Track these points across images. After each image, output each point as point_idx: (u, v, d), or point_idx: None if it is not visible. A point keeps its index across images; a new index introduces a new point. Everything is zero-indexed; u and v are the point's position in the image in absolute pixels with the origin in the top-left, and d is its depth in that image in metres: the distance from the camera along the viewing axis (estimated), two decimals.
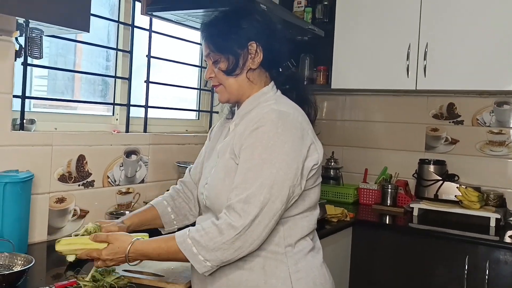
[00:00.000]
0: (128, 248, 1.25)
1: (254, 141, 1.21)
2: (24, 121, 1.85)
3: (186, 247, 1.19)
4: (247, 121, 1.28)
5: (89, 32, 1.51)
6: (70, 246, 1.32)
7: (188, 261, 1.20)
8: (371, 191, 3.06)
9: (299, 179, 1.23)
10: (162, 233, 1.56)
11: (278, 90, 1.37)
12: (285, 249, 1.26)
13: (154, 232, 1.56)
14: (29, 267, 1.32)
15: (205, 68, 1.40)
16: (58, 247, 1.33)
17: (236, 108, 1.42)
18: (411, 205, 2.79)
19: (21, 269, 1.32)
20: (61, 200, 1.90)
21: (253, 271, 1.24)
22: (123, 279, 1.35)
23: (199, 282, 1.32)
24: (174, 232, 1.56)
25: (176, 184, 1.63)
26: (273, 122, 1.22)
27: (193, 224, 1.48)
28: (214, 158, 1.39)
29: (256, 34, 1.33)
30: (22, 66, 1.84)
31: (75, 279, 1.33)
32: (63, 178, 1.90)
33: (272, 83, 1.38)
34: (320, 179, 1.34)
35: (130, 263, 1.28)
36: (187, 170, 1.62)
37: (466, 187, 2.72)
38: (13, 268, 1.36)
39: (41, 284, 1.33)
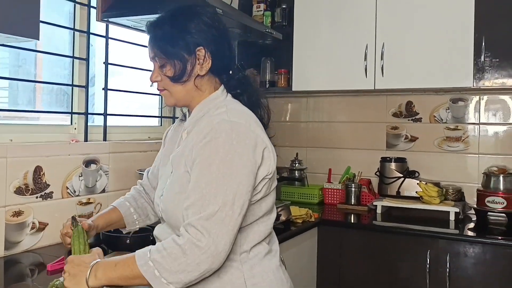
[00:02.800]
0: (90, 269, 1.18)
1: (209, 154, 1.17)
2: None
3: (147, 270, 1.12)
4: (198, 130, 1.24)
5: (38, 39, 1.48)
6: (79, 236, 1.31)
7: (149, 285, 1.13)
8: (335, 190, 3.09)
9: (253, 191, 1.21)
10: (123, 232, 1.56)
11: (229, 94, 1.34)
12: (240, 256, 1.24)
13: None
14: None
15: None
16: (75, 231, 1.32)
17: (187, 113, 1.39)
18: (375, 203, 2.84)
19: None
20: (18, 213, 1.85)
21: (208, 279, 1.19)
22: None
23: None
24: (117, 235, 1.56)
25: (137, 184, 1.62)
26: (227, 133, 1.18)
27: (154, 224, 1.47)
28: (168, 166, 1.35)
29: (205, 38, 1.27)
30: None
31: None
32: (19, 191, 1.85)
33: (222, 87, 1.34)
34: (275, 184, 1.32)
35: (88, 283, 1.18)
36: (145, 173, 1.60)
37: (426, 183, 2.78)
38: None
39: None
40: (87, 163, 2.14)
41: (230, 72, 1.35)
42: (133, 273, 1.14)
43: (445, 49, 2.62)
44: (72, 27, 2.26)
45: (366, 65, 2.79)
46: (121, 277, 1.16)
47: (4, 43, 1.79)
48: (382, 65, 2.75)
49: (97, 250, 1.28)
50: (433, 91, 2.97)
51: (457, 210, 2.61)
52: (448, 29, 2.62)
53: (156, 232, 1.38)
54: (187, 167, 1.23)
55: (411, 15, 2.71)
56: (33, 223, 1.90)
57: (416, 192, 2.81)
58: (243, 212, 1.17)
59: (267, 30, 2.70)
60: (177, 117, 2.86)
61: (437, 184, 2.81)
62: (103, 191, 2.22)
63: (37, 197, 1.92)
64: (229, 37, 1.35)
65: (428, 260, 2.35)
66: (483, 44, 2.53)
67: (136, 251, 1.17)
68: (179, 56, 1.27)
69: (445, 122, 2.99)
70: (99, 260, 1.21)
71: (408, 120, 3.09)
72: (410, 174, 2.96)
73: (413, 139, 3.08)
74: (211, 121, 1.22)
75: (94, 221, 1.45)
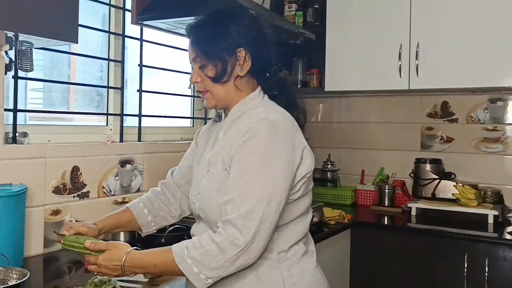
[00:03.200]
0: (125, 257, 1.23)
1: (249, 152, 1.20)
2: (17, 134, 1.85)
3: (186, 267, 1.16)
4: (237, 130, 1.26)
5: (77, 43, 1.52)
6: (72, 245, 1.32)
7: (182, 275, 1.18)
8: (368, 192, 3.05)
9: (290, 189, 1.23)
10: (142, 235, 1.55)
11: (265, 95, 1.35)
12: (278, 255, 1.25)
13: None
14: (24, 280, 1.31)
15: None
16: (63, 243, 1.34)
17: (223, 113, 1.41)
18: (409, 205, 2.78)
19: (16, 282, 1.31)
20: (56, 212, 1.90)
21: (246, 277, 1.23)
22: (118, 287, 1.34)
23: None
24: (153, 233, 1.56)
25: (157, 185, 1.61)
26: (266, 132, 1.20)
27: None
28: (203, 166, 1.36)
29: (245, 40, 1.30)
30: (13, 80, 1.84)
31: None
32: (57, 190, 1.90)
33: (259, 88, 1.35)
34: (312, 184, 1.33)
35: (127, 275, 1.26)
36: (169, 172, 1.60)
37: (463, 185, 2.72)
38: (8, 282, 1.35)
39: None
40: (123, 163, 2.18)
41: (268, 74, 1.36)
42: (171, 269, 1.20)
43: (483, 48, 2.55)
44: (107, 30, 2.30)
45: (400, 65, 2.75)
46: (158, 271, 1.25)
47: (42, 47, 1.84)
48: (417, 65, 2.70)
49: (110, 244, 1.28)
50: (470, 91, 2.90)
51: (496, 213, 2.53)
52: (486, 27, 2.55)
53: (194, 230, 1.39)
54: (226, 165, 1.25)
55: (447, 13, 2.65)
56: (70, 221, 1.95)
57: (452, 194, 2.74)
58: (279, 210, 1.19)
59: (300, 30, 2.69)
60: (209, 118, 2.88)
61: (474, 186, 2.74)
62: (138, 190, 2.25)
63: (74, 197, 1.97)
64: (268, 39, 1.36)
65: (466, 264, 2.29)
66: None
67: (172, 247, 1.21)
68: (220, 57, 1.29)
69: (483, 123, 2.91)
70: (133, 248, 1.25)
71: (444, 120, 3.02)
72: (446, 175, 2.89)
73: (449, 140, 3.01)
74: (250, 120, 1.25)
75: (98, 222, 1.46)
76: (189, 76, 2.88)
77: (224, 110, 1.39)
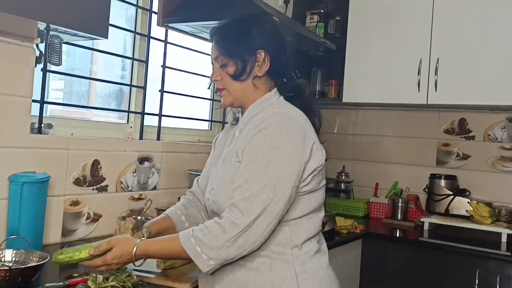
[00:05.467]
0: (134, 250, 1.28)
1: (258, 143, 1.25)
2: (42, 125, 1.90)
3: (190, 246, 1.21)
4: (251, 125, 1.32)
5: (107, 38, 1.57)
6: (70, 259, 1.34)
7: (191, 260, 1.23)
8: (381, 205, 3.05)
9: (300, 181, 1.26)
10: None
11: (281, 97, 1.41)
12: (292, 250, 1.28)
13: None
14: (44, 262, 1.35)
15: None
16: (57, 259, 1.35)
17: (240, 115, 1.46)
18: (422, 219, 2.78)
19: (36, 264, 1.35)
20: (75, 203, 1.94)
21: (260, 271, 1.26)
22: (134, 277, 1.37)
23: (206, 281, 1.34)
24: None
25: (186, 193, 1.66)
26: (277, 124, 1.25)
27: None
28: (220, 164, 1.41)
29: (266, 43, 1.37)
30: (41, 72, 1.90)
31: (87, 276, 1.35)
32: (78, 182, 1.94)
33: (275, 89, 1.41)
34: (324, 181, 1.37)
35: (135, 264, 1.31)
36: (195, 181, 1.65)
37: (477, 202, 2.70)
38: (28, 264, 1.39)
39: (55, 280, 1.36)
40: (141, 160, 2.22)
41: (285, 79, 1.43)
42: (177, 255, 1.27)
43: (503, 66, 2.56)
44: (134, 30, 2.36)
45: (419, 80, 2.76)
46: (163, 253, 1.29)
47: (69, 41, 1.89)
48: (436, 80, 2.72)
49: (113, 241, 1.32)
50: (488, 109, 2.90)
51: (510, 231, 2.51)
52: (506, 45, 2.56)
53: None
54: (238, 157, 1.30)
55: (468, 30, 2.66)
56: (88, 213, 1.99)
57: (466, 211, 2.73)
58: (285, 198, 1.22)
59: (321, 39, 2.73)
60: (227, 122, 2.92)
61: (489, 204, 2.72)
62: (154, 188, 2.29)
63: (93, 189, 2.01)
64: (287, 45, 1.44)
65: (477, 280, 2.28)
66: None
67: (180, 232, 1.26)
68: (241, 56, 1.36)
69: (500, 141, 2.90)
70: (140, 240, 1.31)
71: (461, 137, 3.02)
72: (461, 192, 2.88)
73: (465, 157, 3.01)
74: (263, 115, 1.31)
75: (147, 227, 1.51)
76: (209, 79, 2.93)
77: (241, 110, 1.45)
